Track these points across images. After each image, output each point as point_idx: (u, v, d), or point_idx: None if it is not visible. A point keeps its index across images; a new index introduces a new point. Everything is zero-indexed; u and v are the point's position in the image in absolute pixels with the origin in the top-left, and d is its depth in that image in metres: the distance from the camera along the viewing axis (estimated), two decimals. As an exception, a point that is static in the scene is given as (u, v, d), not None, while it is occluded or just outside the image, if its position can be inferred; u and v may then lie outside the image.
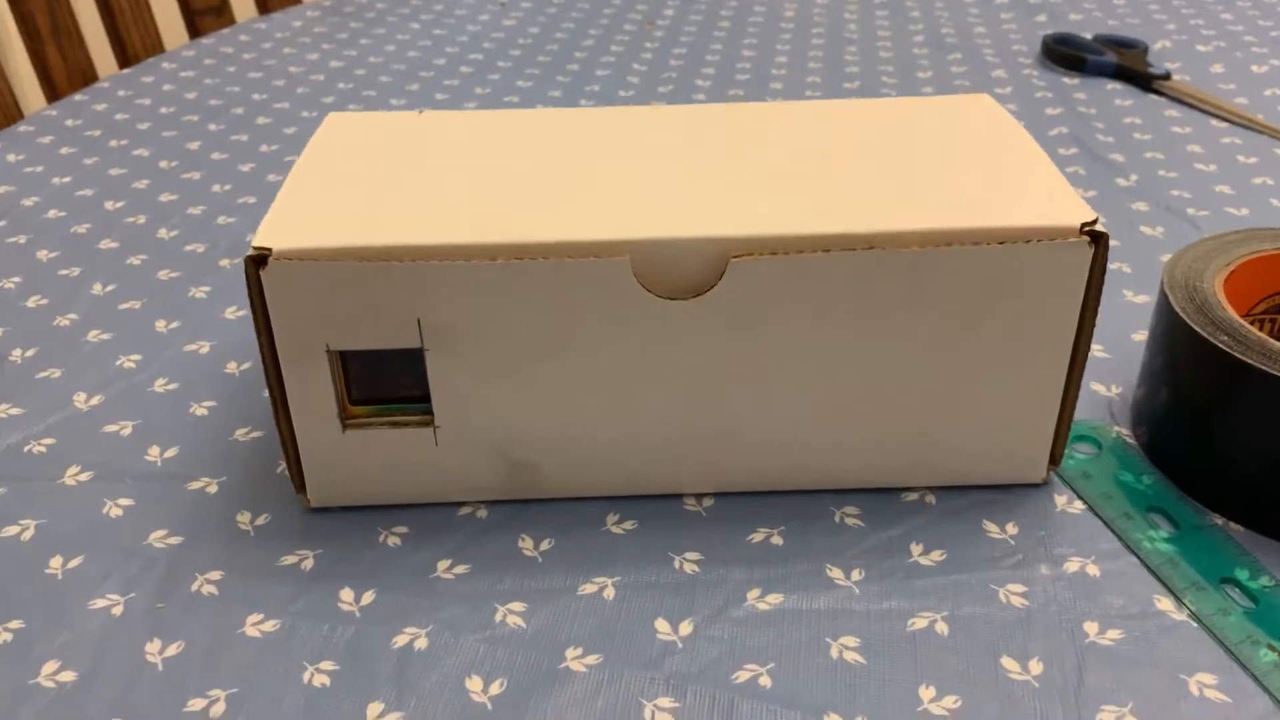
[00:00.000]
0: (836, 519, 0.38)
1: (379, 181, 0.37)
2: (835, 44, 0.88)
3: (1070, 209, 0.35)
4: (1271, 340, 0.36)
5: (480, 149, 0.40)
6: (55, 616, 0.35)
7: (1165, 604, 0.34)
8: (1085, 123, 0.70)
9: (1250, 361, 0.35)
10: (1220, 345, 0.36)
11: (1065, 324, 0.35)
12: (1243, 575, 0.35)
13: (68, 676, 0.33)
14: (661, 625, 0.34)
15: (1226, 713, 0.31)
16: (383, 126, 0.42)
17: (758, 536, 0.37)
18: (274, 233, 0.34)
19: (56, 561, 0.37)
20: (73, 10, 0.88)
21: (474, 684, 0.32)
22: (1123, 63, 0.77)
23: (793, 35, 0.90)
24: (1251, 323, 0.42)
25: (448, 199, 0.36)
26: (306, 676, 0.32)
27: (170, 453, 0.42)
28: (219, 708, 0.31)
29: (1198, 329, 0.37)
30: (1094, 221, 0.34)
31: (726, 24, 0.93)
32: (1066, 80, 0.78)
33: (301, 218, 0.35)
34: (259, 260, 0.33)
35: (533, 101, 0.76)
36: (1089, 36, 0.84)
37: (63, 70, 0.85)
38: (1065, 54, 0.80)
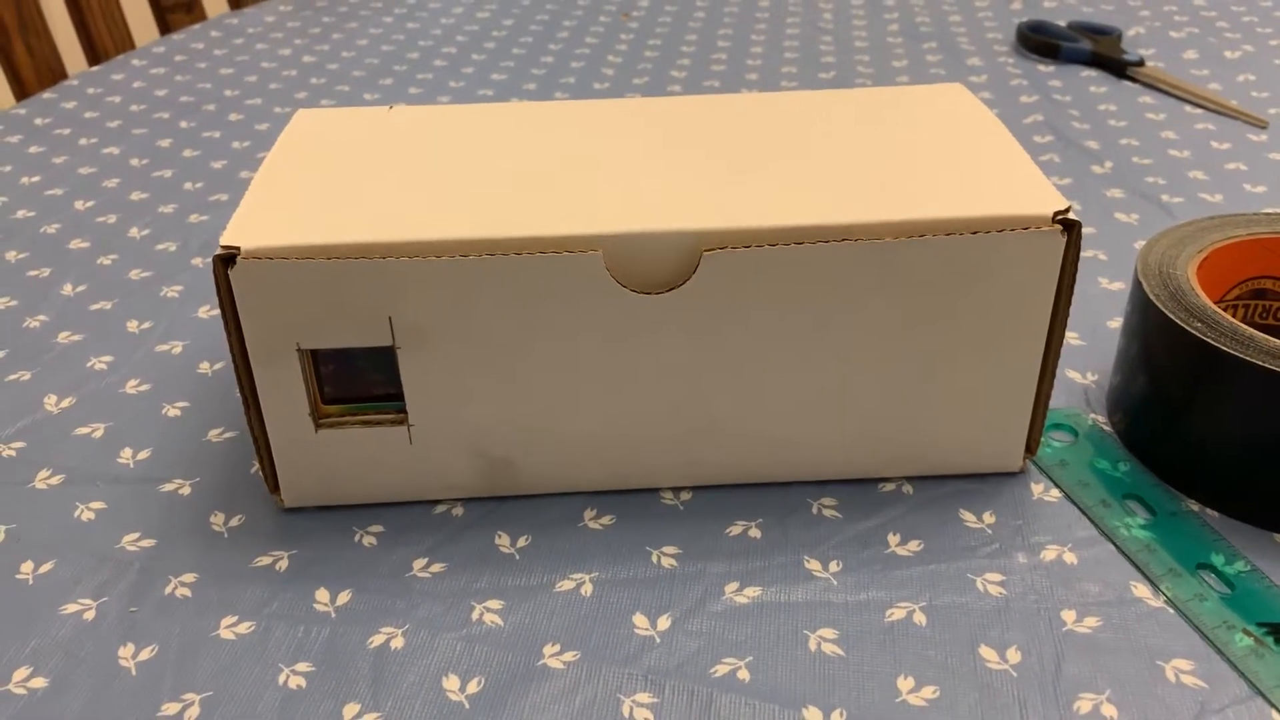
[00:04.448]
0: (814, 511, 0.38)
1: (348, 178, 0.37)
2: (810, 34, 0.87)
3: (1042, 197, 0.35)
4: (1244, 326, 0.36)
5: (450, 144, 0.39)
6: (26, 623, 0.34)
7: (1142, 590, 0.34)
8: (1060, 110, 0.70)
9: (1223, 348, 0.35)
10: (1194, 332, 0.36)
11: (1039, 313, 0.35)
12: (1218, 561, 0.35)
13: (39, 683, 0.32)
14: (639, 620, 0.34)
15: (1203, 698, 0.31)
16: (352, 122, 0.42)
17: (735, 529, 0.37)
18: (242, 231, 0.34)
19: (27, 567, 0.36)
20: (41, 7, 0.87)
21: (451, 683, 0.32)
22: (1097, 49, 0.78)
23: (768, 26, 0.90)
24: (1225, 309, 0.43)
25: (418, 195, 0.36)
26: (282, 678, 0.32)
27: (143, 455, 0.41)
28: (193, 711, 0.31)
29: (1171, 316, 0.37)
30: (1066, 210, 0.34)
31: (702, 15, 0.93)
32: (1042, 68, 0.78)
33: (270, 216, 0.35)
34: (227, 259, 0.33)
35: (507, 95, 0.76)
36: (1064, 24, 0.84)
37: (31, 68, 0.84)
38: (1040, 41, 0.80)
